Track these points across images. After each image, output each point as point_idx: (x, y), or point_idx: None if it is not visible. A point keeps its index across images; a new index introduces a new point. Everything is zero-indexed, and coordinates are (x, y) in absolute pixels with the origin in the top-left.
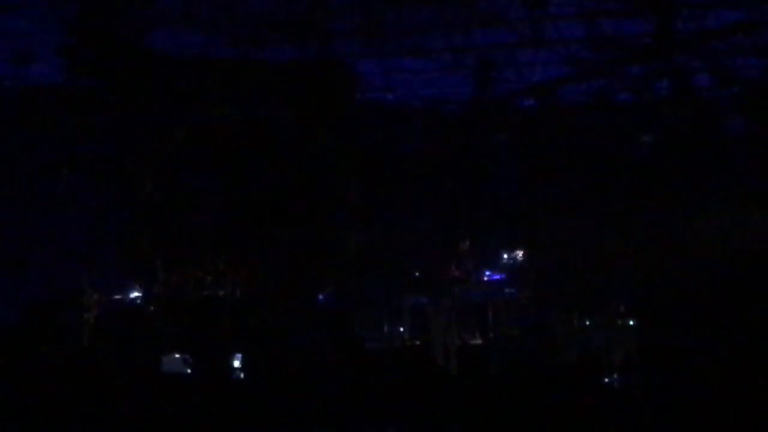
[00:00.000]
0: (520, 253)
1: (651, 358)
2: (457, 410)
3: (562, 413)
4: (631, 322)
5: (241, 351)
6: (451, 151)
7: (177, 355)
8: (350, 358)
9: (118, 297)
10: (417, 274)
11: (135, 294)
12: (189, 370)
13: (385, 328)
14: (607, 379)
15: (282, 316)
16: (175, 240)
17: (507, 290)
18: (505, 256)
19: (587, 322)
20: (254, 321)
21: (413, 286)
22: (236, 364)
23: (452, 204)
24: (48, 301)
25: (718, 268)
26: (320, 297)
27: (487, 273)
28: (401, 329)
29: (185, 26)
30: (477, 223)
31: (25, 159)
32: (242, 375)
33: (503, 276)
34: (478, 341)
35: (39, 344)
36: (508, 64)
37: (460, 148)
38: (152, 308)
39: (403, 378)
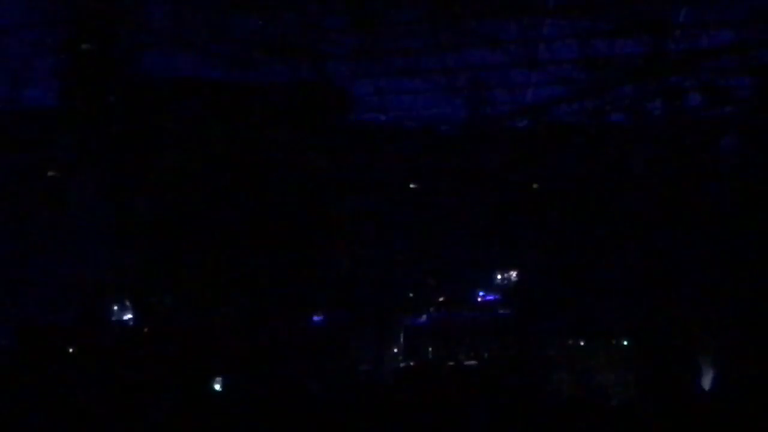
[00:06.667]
0: (513, 274)
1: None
2: None
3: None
4: (625, 343)
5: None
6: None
7: None
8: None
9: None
10: (411, 295)
11: (128, 316)
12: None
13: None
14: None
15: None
16: (168, 262)
17: (501, 311)
18: (499, 276)
19: (581, 343)
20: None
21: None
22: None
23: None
24: (43, 325)
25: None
26: (315, 318)
27: (481, 294)
28: (395, 350)
29: (178, 48)
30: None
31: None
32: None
33: (497, 297)
34: (473, 362)
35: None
36: (502, 85)
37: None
38: (146, 330)
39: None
